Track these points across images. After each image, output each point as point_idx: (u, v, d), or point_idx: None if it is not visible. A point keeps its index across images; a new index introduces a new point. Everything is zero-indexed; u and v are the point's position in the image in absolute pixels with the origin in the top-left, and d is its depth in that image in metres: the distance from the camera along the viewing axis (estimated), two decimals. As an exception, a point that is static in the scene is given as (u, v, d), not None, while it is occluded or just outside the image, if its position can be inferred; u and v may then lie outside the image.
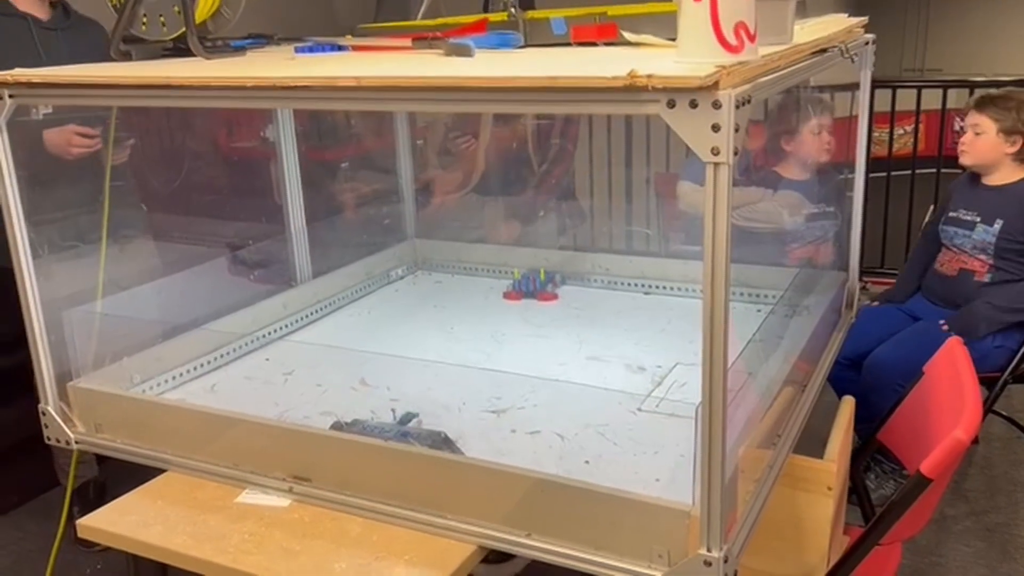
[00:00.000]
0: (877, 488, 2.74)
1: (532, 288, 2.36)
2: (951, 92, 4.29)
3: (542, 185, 3.13)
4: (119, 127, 2.26)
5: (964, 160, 2.82)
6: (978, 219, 2.79)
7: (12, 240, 1.66)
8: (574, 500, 1.33)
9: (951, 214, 2.88)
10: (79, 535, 1.54)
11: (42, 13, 2.43)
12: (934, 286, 2.89)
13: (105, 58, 1.88)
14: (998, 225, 2.73)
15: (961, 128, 2.85)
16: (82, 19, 2.54)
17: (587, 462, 1.51)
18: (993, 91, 2.83)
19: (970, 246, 2.79)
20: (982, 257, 2.76)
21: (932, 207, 3.34)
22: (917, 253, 3.10)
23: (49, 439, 1.77)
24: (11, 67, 1.56)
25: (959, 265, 2.81)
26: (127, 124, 2.24)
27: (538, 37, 1.73)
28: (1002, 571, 2.49)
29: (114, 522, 1.52)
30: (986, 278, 2.76)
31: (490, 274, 2.53)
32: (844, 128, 2.85)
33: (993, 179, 2.81)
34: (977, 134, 2.76)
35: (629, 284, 2.39)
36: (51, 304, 1.73)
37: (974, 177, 2.88)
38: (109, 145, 2.05)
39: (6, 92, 1.56)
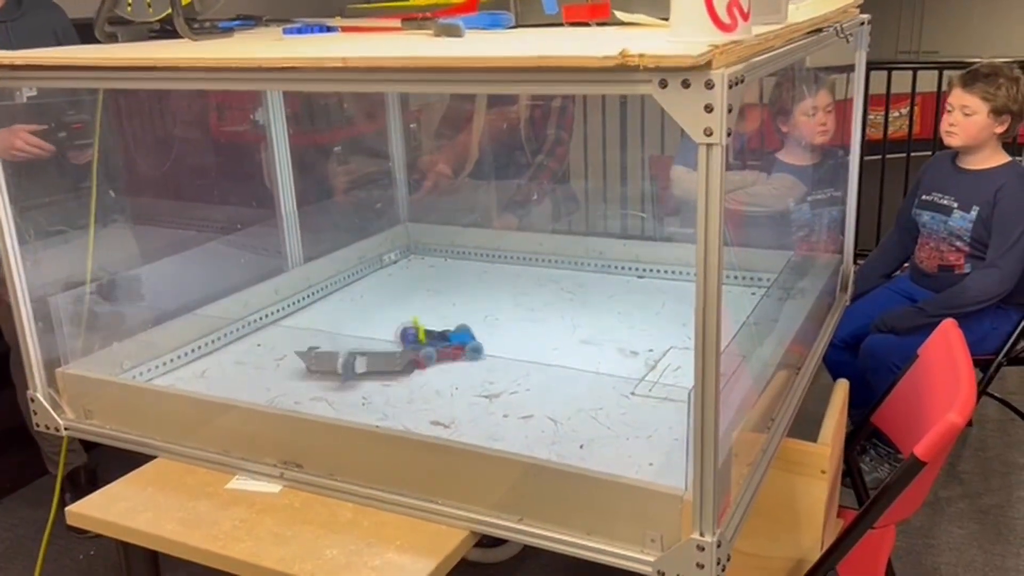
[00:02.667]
0: (872, 471, 2.74)
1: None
2: (947, 74, 4.27)
3: (536, 170, 3.11)
4: (84, 129, 2.18)
5: (952, 142, 2.68)
6: (955, 204, 2.68)
7: (-2, 225, 1.64)
8: (567, 485, 1.33)
9: (924, 197, 2.77)
10: (69, 522, 1.53)
11: None
12: (920, 278, 2.83)
13: (61, 44, 1.84)
14: (975, 212, 2.64)
15: (948, 108, 2.72)
16: (38, 5, 2.42)
17: (581, 447, 1.50)
18: (978, 67, 2.67)
19: (945, 232, 2.70)
20: (958, 244, 2.68)
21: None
22: (888, 244, 3.00)
23: (38, 426, 1.76)
24: None
25: (937, 261, 2.73)
26: (114, 107, 2.21)
27: (529, 17, 1.71)
28: (995, 553, 2.50)
29: (104, 509, 1.51)
30: (966, 269, 2.68)
31: (483, 258, 2.52)
32: (839, 111, 2.83)
33: (973, 162, 2.70)
34: (967, 115, 2.62)
35: (623, 268, 2.38)
36: (39, 290, 1.71)
37: (952, 158, 2.77)
38: (96, 128, 2.02)
39: (-11, 74, 1.54)
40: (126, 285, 1.95)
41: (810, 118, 2.83)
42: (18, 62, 1.52)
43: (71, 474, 2.68)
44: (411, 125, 2.82)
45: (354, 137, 2.97)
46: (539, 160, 3.08)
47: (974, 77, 2.63)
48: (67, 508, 1.52)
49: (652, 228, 3.28)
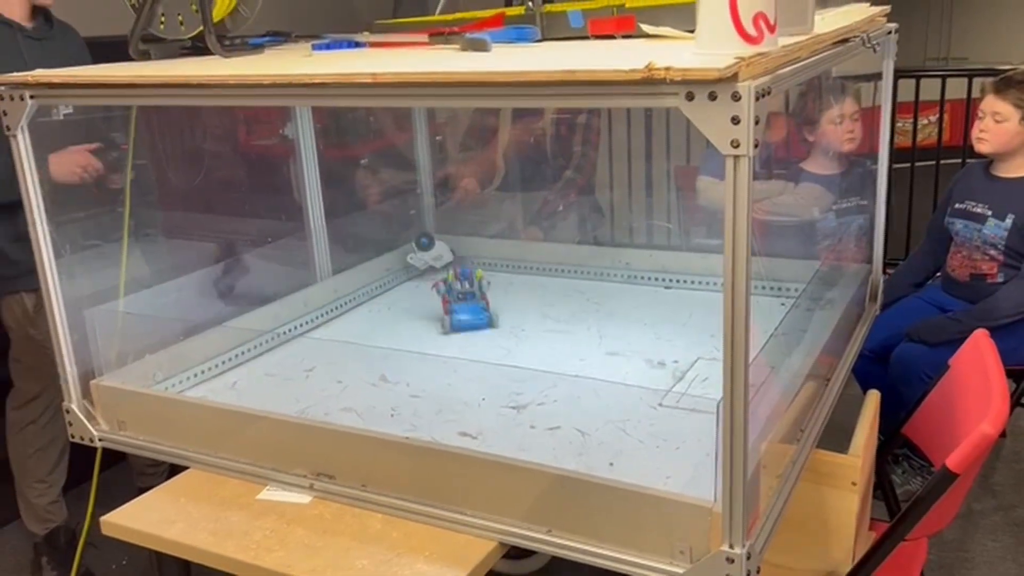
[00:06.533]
0: (903, 484, 2.71)
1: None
2: (976, 81, 4.22)
3: (562, 182, 3.12)
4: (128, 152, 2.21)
5: (983, 148, 2.68)
6: (989, 212, 2.67)
7: (35, 240, 1.67)
8: (595, 496, 1.33)
9: (958, 206, 2.76)
10: (103, 532, 1.55)
11: (27, 21, 2.37)
12: (951, 287, 2.80)
13: (76, 65, 1.86)
14: (1010, 220, 2.62)
15: (980, 115, 2.73)
16: (63, 27, 2.48)
17: (612, 464, 1.49)
18: (1011, 74, 2.67)
19: (979, 241, 2.68)
20: (992, 252, 2.66)
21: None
22: (919, 254, 2.98)
23: (73, 437, 1.79)
24: None
25: (970, 269, 2.71)
26: (146, 123, 2.25)
27: (555, 31, 1.72)
28: (1031, 566, 2.46)
29: (137, 519, 1.53)
30: (999, 278, 2.65)
31: (509, 270, 2.53)
32: (867, 119, 2.81)
33: (1007, 169, 2.69)
34: (998, 121, 2.62)
35: (650, 278, 2.38)
36: (74, 303, 1.74)
37: (985, 167, 2.76)
38: (131, 143, 2.06)
39: (27, 93, 1.57)
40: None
41: (837, 126, 2.82)
42: (56, 80, 1.55)
43: (50, 535, 2.61)
44: (436, 137, 2.84)
45: (380, 150, 2.99)
46: (565, 173, 3.09)
47: (1007, 83, 2.63)
48: (102, 518, 1.54)
49: (678, 238, 3.28)
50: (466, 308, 2.09)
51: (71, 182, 2.13)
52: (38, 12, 2.40)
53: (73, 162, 2.15)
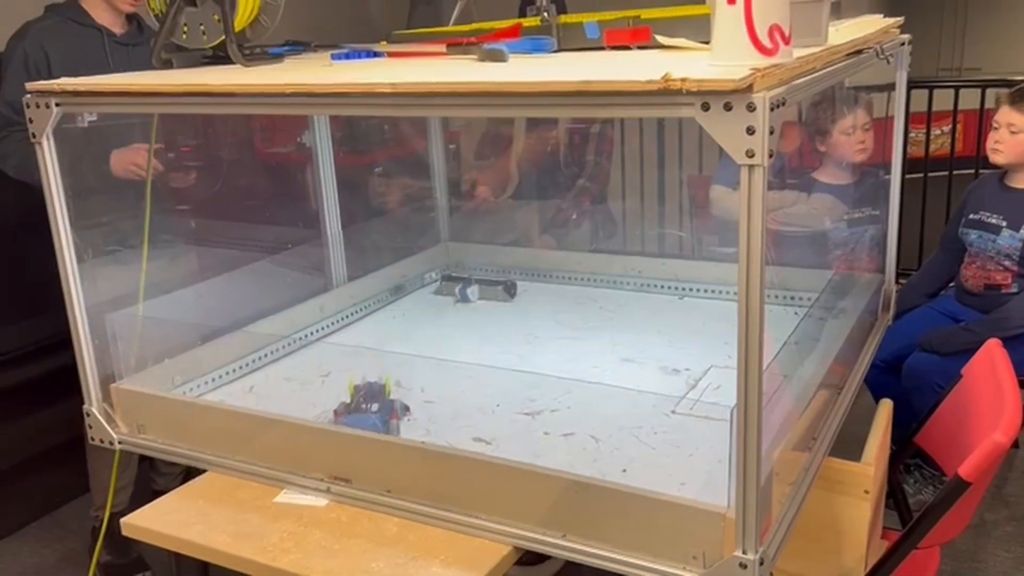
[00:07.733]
0: (916, 493, 2.71)
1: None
2: (990, 92, 4.22)
3: (576, 190, 3.14)
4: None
5: (997, 159, 2.70)
6: (1004, 223, 2.69)
7: (58, 245, 1.70)
8: (609, 502, 1.34)
9: (972, 216, 2.78)
10: (123, 533, 1.57)
11: (118, 27, 2.43)
12: (964, 297, 2.81)
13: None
14: None
15: (994, 126, 2.74)
16: (152, 34, 2.53)
17: (625, 470, 1.50)
18: None
19: (993, 251, 2.70)
20: (1006, 263, 2.67)
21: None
22: (932, 264, 3.00)
23: (92, 439, 1.81)
24: (77, 76, 1.60)
25: (984, 280, 2.72)
26: (167, 130, 2.28)
27: (572, 41, 1.74)
28: (1044, 578, 2.45)
29: (157, 520, 1.55)
30: (1013, 288, 2.67)
31: (522, 277, 2.54)
32: (880, 129, 2.82)
33: (1022, 180, 2.71)
34: (1013, 132, 2.64)
35: (662, 286, 2.39)
36: (94, 307, 1.77)
37: (999, 178, 2.78)
38: (150, 152, 2.09)
39: (53, 101, 1.60)
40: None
41: (848, 137, 2.83)
42: (81, 88, 1.58)
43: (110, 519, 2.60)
44: (451, 146, 2.86)
45: (396, 157, 3.02)
46: (579, 182, 3.10)
47: (1023, 95, 2.63)
48: (123, 520, 1.56)
49: (691, 246, 3.29)
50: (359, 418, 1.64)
51: (127, 178, 2.19)
52: (131, 19, 2.46)
53: (129, 160, 2.21)
